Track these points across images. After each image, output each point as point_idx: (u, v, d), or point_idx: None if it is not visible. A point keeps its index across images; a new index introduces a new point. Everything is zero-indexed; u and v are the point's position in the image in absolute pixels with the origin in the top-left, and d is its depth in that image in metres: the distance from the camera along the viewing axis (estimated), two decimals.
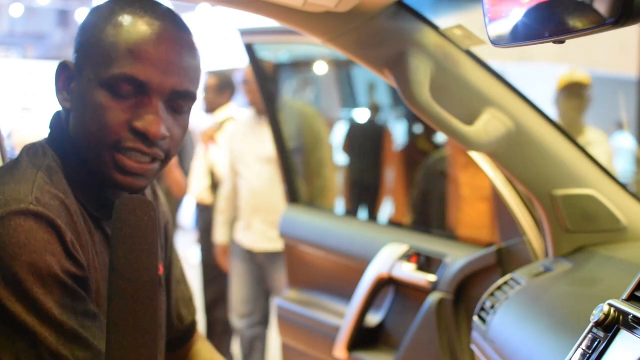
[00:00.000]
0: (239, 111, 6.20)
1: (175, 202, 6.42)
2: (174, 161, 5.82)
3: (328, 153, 5.58)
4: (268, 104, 3.97)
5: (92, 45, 1.55)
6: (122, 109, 1.52)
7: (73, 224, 1.50)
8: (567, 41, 1.24)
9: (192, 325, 2.03)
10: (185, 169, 6.35)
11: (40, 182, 1.52)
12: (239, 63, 16.87)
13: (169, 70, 1.54)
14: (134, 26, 1.53)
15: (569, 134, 2.36)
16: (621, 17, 1.05)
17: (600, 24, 1.10)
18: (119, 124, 1.52)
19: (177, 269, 1.97)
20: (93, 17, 1.59)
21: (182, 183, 6.05)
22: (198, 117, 12.08)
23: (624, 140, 13.80)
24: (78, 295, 1.46)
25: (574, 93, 5.71)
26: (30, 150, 1.62)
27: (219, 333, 5.95)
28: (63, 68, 1.60)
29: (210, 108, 6.02)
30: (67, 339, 1.43)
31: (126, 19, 1.54)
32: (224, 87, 5.97)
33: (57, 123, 1.66)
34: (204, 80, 6.05)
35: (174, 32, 1.58)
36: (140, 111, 1.53)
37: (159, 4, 1.63)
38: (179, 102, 1.59)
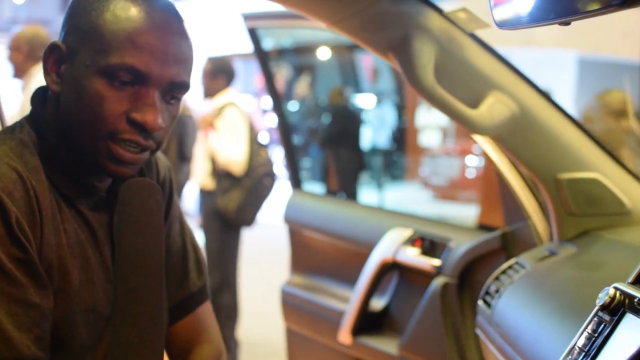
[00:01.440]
0: (239, 97, 6.20)
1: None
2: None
3: None
4: (271, 89, 3.96)
5: (89, 31, 1.53)
6: (119, 99, 1.51)
7: (28, 198, 1.47)
8: (572, 26, 1.23)
9: (200, 292, 1.99)
10: (187, 156, 6.35)
11: (1, 154, 1.50)
12: (240, 48, 16.88)
13: (168, 61, 1.53)
14: (133, 14, 1.52)
15: (574, 117, 2.35)
16: None
17: (607, 5, 1.09)
18: (116, 114, 1.51)
19: (178, 234, 1.93)
20: (93, 5, 1.55)
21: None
22: (198, 103, 12.09)
23: None
24: (14, 280, 1.42)
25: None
26: (9, 127, 1.61)
27: (223, 318, 5.95)
28: (53, 49, 1.58)
29: (207, 93, 6.01)
30: None
31: (124, 6, 1.53)
32: (217, 72, 5.96)
33: (39, 100, 1.64)
34: (201, 65, 6.05)
35: (172, 21, 1.57)
36: (137, 102, 1.52)
37: None
38: (174, 93, 1.58)
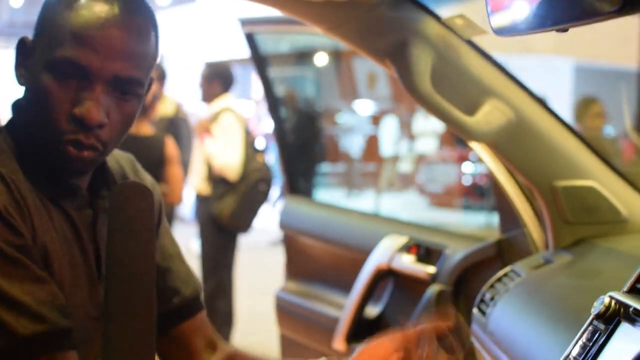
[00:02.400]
0: (236, 102, 6.20)
1: (168, 208, 6.38)
2: (176, 158, 5.79)
3: None
4: (268, 95, 3.96)
5: (44, 25, 1.54)
6: (63, 94, 1.49)
7: (10, 192, 1.47)
8: (569, 33, 1.23)
9: (194, 302, 1.98)
10: (182, 161, 6.34)
11: None
12: (238, 54, 16.90)
13: (111, 55, 1.50)
14: (84, 8, 1.50)
15: (570, 125, 2.35)
16: (625, 4, 1.04)
17: (604, 12, 1.09)
18: (60, 111, 1.50)
19: (171, 244, 1.92)
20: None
21: (180, 184, 5.98)
22: (196, 107, 12.09)
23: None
24: (19, 263, 1.43)
25: None
26: None
27: (219, 324, 5.95)
28: (21, 44, 1.59)
29: (205, 98, 6.03)
30: (10, 307, 1.40)
31: (81, 3, 1.51)
32: (213, 77, 5.97)
33: (16, 105, 1.64)
34: (199, 71, 6.06)
35: (125, 15, 1.53)
36: (80, 96, 1.50)
37: None
38: (124, 88, 1.55)
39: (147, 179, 1.88)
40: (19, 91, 1.61)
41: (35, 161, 1.56)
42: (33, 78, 1.53)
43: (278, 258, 4.98)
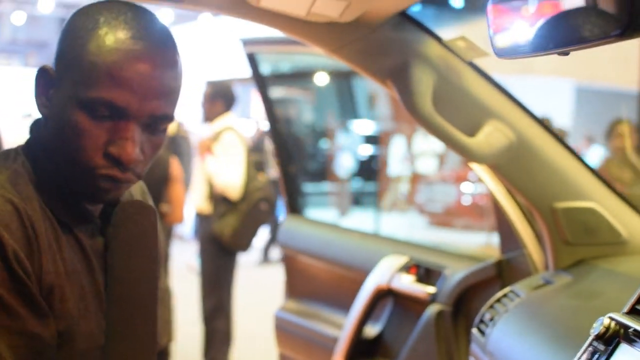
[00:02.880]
0: (238, 121, 6.21)
1: (168, 227, 6.39)
2: (179, 178, 5.79)
3: None
4: (269, 114, 3.97)
5: (72, 60, 1.51)
6: (98, 132, 1.49)
7: (24, 229, 1.46)
8: (570, 55, 1.24)
9: (166, 351, 1.96)
10: (183, 179, 6.35)
11: None
12: (240, 73, 16.94)
13: (148, 95, 1.50)
14: (116, 46, 1.48)
15: (570, 147, 2.36)
16: (627, 28, 1.05)
17: (606, 36, 1.10)
18: (94, 148, 1.49)
19: (160, 289, 1.92)
20: (76, 25, 1.54)
21: (182, 204, 5.99)
22: (197, 126, 12.08)
23: (596, 153, 14.31)
24: (13, 312, 1.42)
25: None
26: (3, 154, 1.59)
27: (217, 343, 5.94)
28: (43, 73, 1.56)
29: (207, 117, 6.03)
30: None
31: (109, 37, 1.49)
32: (215, 97, 5.97)
33: (36, 129, 1.63)
34: (201, 90, 6.06)
35: (158, 52, 1.53)
36: (115, 135, 1.49)
37: (147, 14, 1.58)
38: (156, 125, 1.55)
39: (155, 212, 1.87)
40: (19, 107, 1.60)
41: (53, 187, 1.56)
42: (61, 112, 1.51)
43: (278, 277, 4.98)
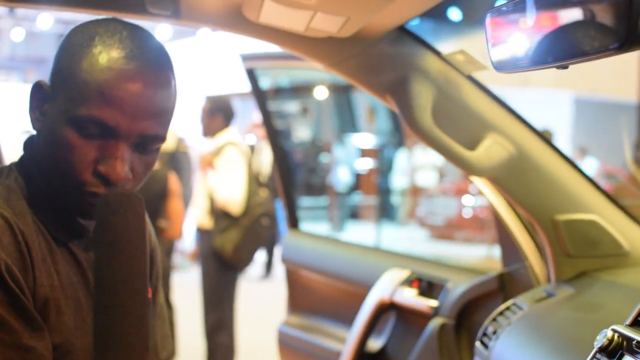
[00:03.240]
0: (239, 136, 6.21)
1: (167, 243, 6.40)
2: (178, 193, 5.79)
3: None
4: (268, 127, 3.98)
5: (66, 76, 1.52)
6: (87, 150, 1.49)
7: (16, 243, 1.46)
8: (569, 67, 1.24)
9: None
10: (183, 195, 6.36)
11: None
12: (239, 88, 16.96)
13: (138, 115, 1.50)
14: (108, 65, 1.49)
15: (571, 159, 2.36)
16: (625, 41, 1.05)
17: (604, 49, 1.10)
18: (84, 165, 1.49)
19: (158, 302, 1.91)
20: (72, 42, 1.55)
21: (181, 220, 5.99)
22: (198, 141, 12.10)
23: (589, 164, 14.37)
24: (7, 326, 1.41)
25: None
26: None
27: (220, 359, 5.94)
28: (38, 88, 1.57)
29: (207, 132, 6.03)
30: None
31: (102, 55, 1.49)
32: (214, 112, 5.97)
33: (29, 145, 1.63)
34: (200, 105, 6.06)
35: (151, 72, 1.53)
36: (105, 153, 1.49)
37: (143, 33, 1.58)
38: (147, 145, 1.55)
39: (150, 228, 1.86)
40: (18, 123, 1.60)
41: (45, 203, 1.56)
42: (53, 128, 1.52)
43: (280, 292, 4.97)
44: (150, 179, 5.51)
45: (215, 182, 5.76)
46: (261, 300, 9.79)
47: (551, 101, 19.78)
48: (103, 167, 1.50)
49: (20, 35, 26.60)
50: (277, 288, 6.65)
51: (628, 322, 1.46)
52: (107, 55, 1.50)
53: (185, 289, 8.45)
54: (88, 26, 1.56)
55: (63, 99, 1.51)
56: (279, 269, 10.85)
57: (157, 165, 5.64)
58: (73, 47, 1.54)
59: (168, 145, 6.42)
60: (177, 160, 6.61)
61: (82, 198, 1.52)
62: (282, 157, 3.99)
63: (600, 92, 18.93)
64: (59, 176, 1.52)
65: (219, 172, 5.78)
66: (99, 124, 1.48)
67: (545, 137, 2.34)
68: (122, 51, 1.51)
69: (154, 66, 1.54)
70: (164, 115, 1.56)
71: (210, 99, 6.05)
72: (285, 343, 3.68)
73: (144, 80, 1.51)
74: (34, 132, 1.63)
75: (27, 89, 1.61)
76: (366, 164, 19.45)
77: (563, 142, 18.37)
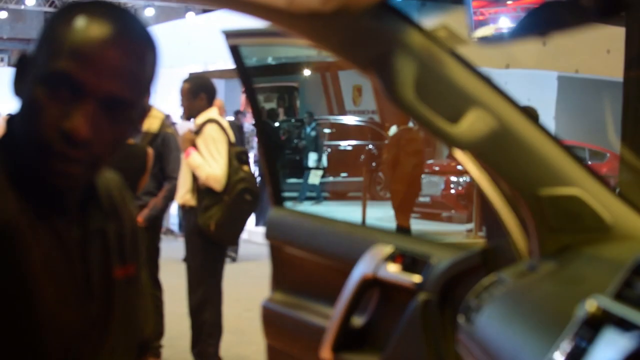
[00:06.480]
0: (220, 114, 6.21)
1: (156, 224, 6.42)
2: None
3: None
4: (252, 105, 3.97)
5: (44, 40, 1.55)
6: (54, 107, 1.49)
7: None
8: (553, 48, 1.25)
9: (147, 343, 1.97)
10: (170, 174, 6.35)
11: None
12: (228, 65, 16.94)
13: (107, 73, 1.51)
14: (85, 27, 1.51)
15: (553, 134, 2.36)
16: (605, 11, 1.06)
17: (582, 21, 1.11)
18: (49, 125, 1.49)
19: (141, 280, 1.92)
20: (56, 17, 1.58)
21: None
22: (182, 124, 12.09)
23: None
24: None
25: None
26: None
27: (206, 336, 5.95)
28: (21, 59, 1.60)
29: (188, 114, 6.01)
30: None
31: (81, 21, 1.52)
32: (198, 91, 5.96)
33: (11, 120, 1.63)
34: (179, 87, 6.03)
35: (125, 37, 1.55)
36: (71, 111, 1.50)
37: (126, 13, 1.61)
38: (115, 108, 1.54)
39: (132, 205, 1.88)
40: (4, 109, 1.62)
41: (25, 178, 1.56)
42: (27, 91, 1.54)
43: (264, 269, 4.99)
44: (130, 153, 5.52)
45: (196, 158, 5.76)
46: (247, 279, 9.81)
47: (534, 77, 19.81)
48: (67, 124, 1.49)
49: (3, 15, 26.46)
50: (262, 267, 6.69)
51: (609, 293, 1.47)
52: (85, 21, 1.52)
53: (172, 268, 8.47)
54: (72, 6, 1.58)
55: (37, 62, 1.54)
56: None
57: (136, 140, 5.67)
58: (57, 21, 1.56)
59: (153, 125, 6.39)
60: (165, 141, 6.58)
61: (48, 160, 1.52)
62: (265, 135, 3.99)
63: (585, 72, 18.97)
64: (29, 140, 1.53)
65: (200, 149, 5.78)
66: (65, 78, 1.49)
67: (527, 112, 2.34)
68: (102, 18, 1.53)
69: (131, 33, 1.57)
70: (134, 80, 1.56)
71: (191, 80, 6.03)
72: (270, 319, 3.69)
73: (118, 42, 1.53)
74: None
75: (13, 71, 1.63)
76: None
77: (547, 117, 18.43)
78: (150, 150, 5.85)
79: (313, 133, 19.95)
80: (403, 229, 11.61)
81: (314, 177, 19.25)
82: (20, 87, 1.59)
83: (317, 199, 19.52)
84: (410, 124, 11.91)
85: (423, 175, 16.40)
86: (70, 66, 1.49)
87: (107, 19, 1.54)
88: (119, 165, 1.82)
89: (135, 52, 1.56)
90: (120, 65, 1.53)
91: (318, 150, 19.78)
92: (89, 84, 1.50)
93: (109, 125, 1.55)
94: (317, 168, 19.52)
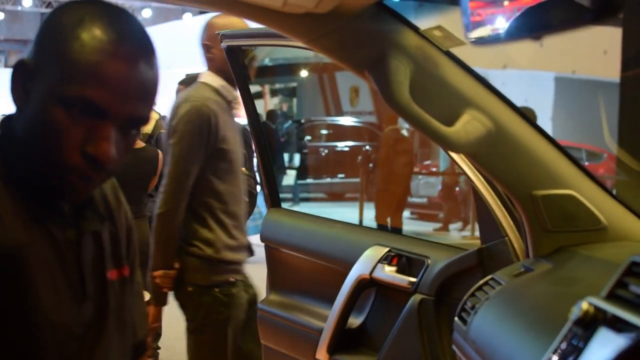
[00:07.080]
0: None
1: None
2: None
3: None
4: (248, 106, 3.97)
5: (54, 56, 1.52)
6: (76, 131, 1.49)
7: None
8: (550, 48, 1.25)
9: (143, 344, 1.98)
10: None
11: None
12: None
13: (129, 97, 1.51)
14: (99, 46, 1.50)
15: (549, 135, 2.36)
16: (600, 12, 1.06)
17: (577, 22, 1.10)
18: (72, 147, 1.49)
19: (135, 281, 1.93)
20: (59, 21, 1.55)
21: None
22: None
23: None
24: None
25: None
26: None
27: None
28: (20, 66, 1.57)
29: None
30: None
31: (92, 36, 1.50)
32: None
33: (7, 124, 1.62)
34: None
35: (140, 55, 1.54)
36: (93, 134, 1.50)
37: (127, 16, 1.60)
38: (132, 126, 1.57)
39: (126, 208, 1.89)
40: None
41: (22, 182, 1.56)
42: (40, 108, 1.52)
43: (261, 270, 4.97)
44: (142, 157, 5.50)
45: None
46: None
47: (531, 77, 19.82)
48: (92, 148, 1.50)
49: (0, 16, 26.42)
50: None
51: (603, 294, 1.47)
52: (96, 36, 1.50)
53: None
54: (73, 7, 1.57)
55: (51, 78, 1.51)
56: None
57: (142, 144, 5.66)
58: (61, 26, 1.54)
59: (147, 126, 6.37)
60: (160, 141, 6.56)
61: (67, 179, 1.52)
62: (261, 137, 3.98)
63: (582, 73, 18.97)
64: (44, 157, 1.52)
65: None
66: (89, 105, 1.48)
67: (522, 113, 2.34)
68: (113, 34, 1.52)
69: (142, 49, 1.56)
70: (150, 98, 1.58)
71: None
72: (266, 320, 3.69)
73: (134, 62, 1.52)
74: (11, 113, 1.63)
75: (9, 73, 1.61)
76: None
77: (544, 118, 18.43)
78: (160, 153, 5.84)
79: (286, 133, 19.98)
80: (383, 227, 11.60)
81: (288, 178, 19.18)
82: (21, 95, 1.57)
83: (293, 200, 19.31)
84: (397, 125, 11.94)
85: (420, 177, 16.44)
86: (93, 92, 1.48)
87: (122, 34, 1.53)
88: (132, 169, 1.84)
89: (150, 66, 1.57)
90: (140, 86, 1.54)
91: (291, 150, 19.79)
92: (112, 110, 1.50)
93: (125, 142, 1.57)
94: (290, 168, 19.47)
